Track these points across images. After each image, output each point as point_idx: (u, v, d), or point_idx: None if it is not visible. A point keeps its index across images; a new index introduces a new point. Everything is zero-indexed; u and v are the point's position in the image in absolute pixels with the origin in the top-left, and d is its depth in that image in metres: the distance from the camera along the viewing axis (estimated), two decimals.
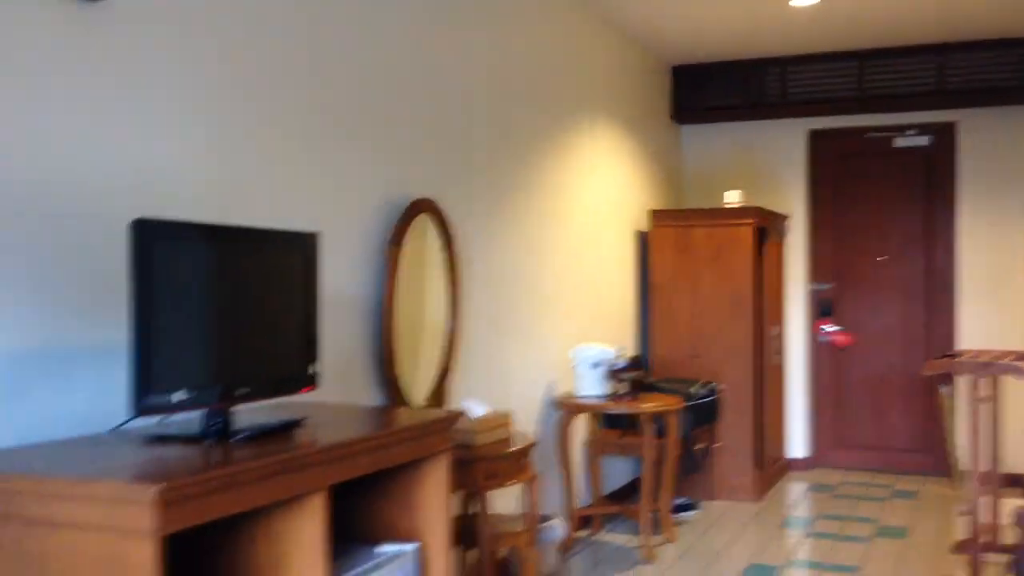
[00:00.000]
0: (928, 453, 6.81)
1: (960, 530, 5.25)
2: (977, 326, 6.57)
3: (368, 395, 3.50)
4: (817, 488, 6.44)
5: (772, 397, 6.49)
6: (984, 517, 4.18)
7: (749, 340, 6.05)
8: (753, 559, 4.84)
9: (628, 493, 6.03)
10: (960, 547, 4.88)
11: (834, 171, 7.09)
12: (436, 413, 2.70)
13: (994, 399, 4.61)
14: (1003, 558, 4.62)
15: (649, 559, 4.78)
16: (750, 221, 6.06)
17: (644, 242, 6.45)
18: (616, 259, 6.01)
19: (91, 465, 1.88)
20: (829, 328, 7.05)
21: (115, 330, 2.44)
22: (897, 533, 5.30)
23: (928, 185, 6.84)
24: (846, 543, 5.11)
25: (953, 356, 4.87)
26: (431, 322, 3.91)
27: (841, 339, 7.01)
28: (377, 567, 2.50)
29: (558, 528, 4.43)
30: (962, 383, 5.13)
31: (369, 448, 2.32)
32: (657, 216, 6.30)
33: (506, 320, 4.61)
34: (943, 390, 4.87)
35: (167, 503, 1.70)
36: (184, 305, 2.08)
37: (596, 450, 5.36)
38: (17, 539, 1.80)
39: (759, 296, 6.14)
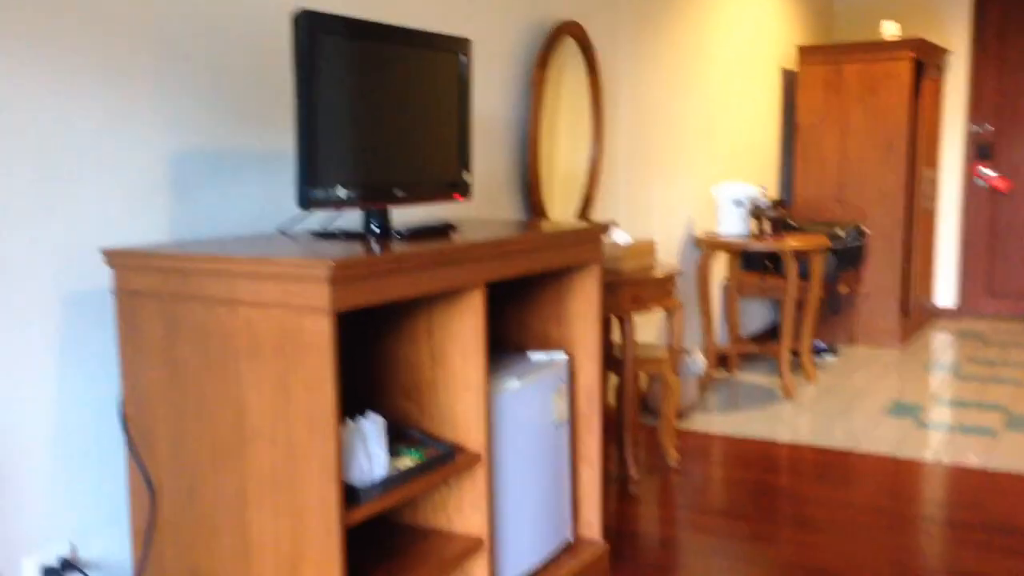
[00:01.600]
0: None
1: None
2: None
3: (515, 216, 3.53)
4: (964, 335, 6.24)
5: (922, 244, 6.24)
6: None
7: (900, 184, 5.79)
8: (896, 396, 4.76)
9: (766, 338, 5.98)
10: None
11: (1002, 1, 6.56)
12: (586, 223, 2.70)
13: None
14: None
15: (789, 396, 4.76)
16: (908, 55, 5.70)
17: (791, 80, 6.17)
18: (761, 98, 5.79)
19: (267, 249, 1.96)
20: (987, 172, 6.67)
21: (281, 138, 2.51)
22: None
23: None
24: (993, 384, 4.96)
25: None
26: (575, 150, 3.88)
27: (999, 184, 6.63)
28: (532, 371, 2.57)
29: (699, 362, 4.44)
30: None
31: (523, 249, 2.35)
32: (805, 53, 6.00)
33: (648, 153, 4.53)
34: None
35: (339, 280, 1.76)
36: (345, 103, 2.11)
37: (735, 291, 5.31)
38: (200, 318, 1.91)
39: (913, 137, 5.83)
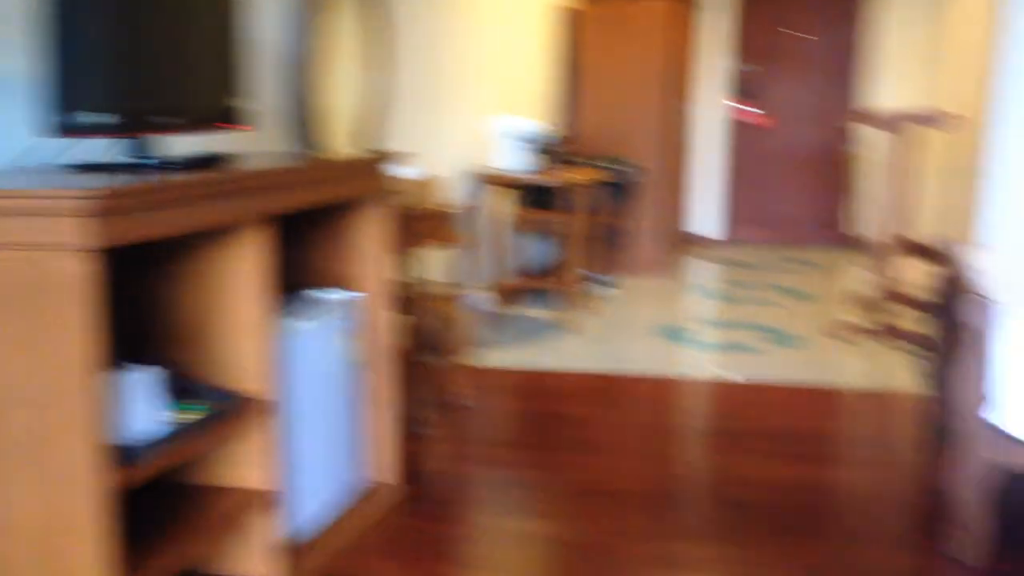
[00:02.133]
0: (828, 226, 7.01)
1: (867, 288, 5.48)
2: (889, 105, 6.63)
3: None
4: (728, 263, 6.60)
5: (687, 176, 6.51)
6: (889, 275, 4.33)
7: (671, 118, 5.98)
8: (669, 322, 4.96)
9: (548, 273, 6.07)
10: (866, 302, 5.10)
11: None
12: (366, 154, 2.56)
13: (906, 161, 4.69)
14: (906, 310, 4.85)
15: (573, 328, 4.84)
16: None
17: (571, 18, 6.21)
18: (541, 34, 5.78)
19: (4, 182, 1.69)
20: (747, 108, 7.03)
21: (12, 59, 2.18)
22: (802, 295, 5.49)
23: None
24: (756, 306, 5.27)
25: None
26: (356, 82, 3.69)
27: (758, 120, 7.01)
28: (320, 311, 2.42)
29: (485, 298, 4.42)
30: (876, 143, 5.24)
31: (304, 180, 2.18)
32: None
33: (433, 87, 4.40)
34: (851, 149, 4.91)
35: (96, 213, 1.54)
36: (99, 22, 1.85)
37: (518, 228, 5.31)
38: None
39: (683, 75, 6.03)
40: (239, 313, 2.08)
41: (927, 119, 4.24)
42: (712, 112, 7.01)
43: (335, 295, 2.54)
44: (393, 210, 3.26)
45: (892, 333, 4.40)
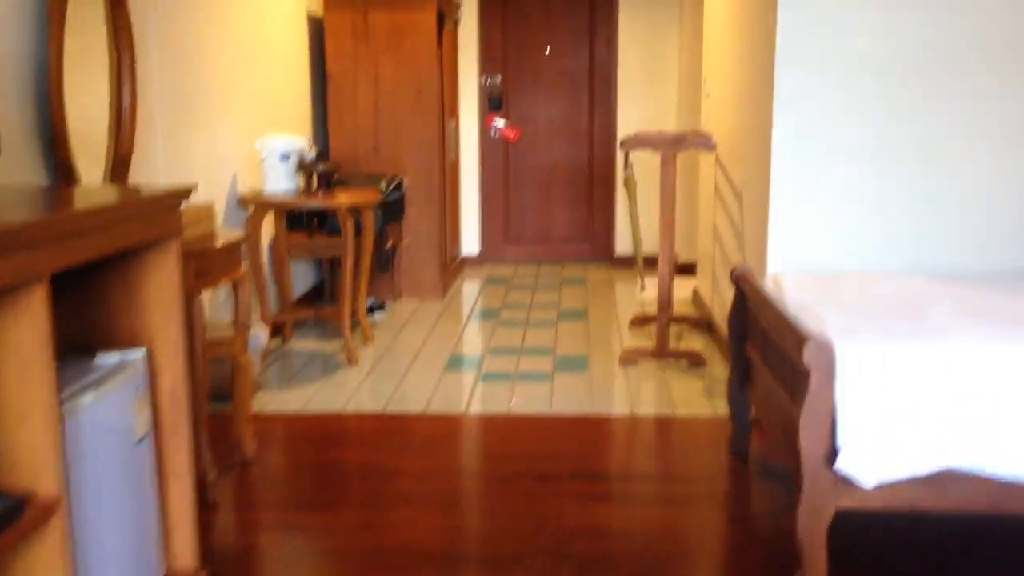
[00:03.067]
0: (587, 242, 7.15)
1: (638, 307, 5.58)
2: (633, 120, 6.85)
3: (34, 180, 2.80)
4: (494, 282, 6.54)
5: (451, 194, 6.38)
6: (662, 294, 4.40)
7: (432, 134, 5.82)
8: (453, 350, 4.79)
9: (312, 299, 5.71)
10: (639, 321, 5.18)
11: None
12: (165, 187, 2.17)
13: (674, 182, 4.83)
14: (682, 327, 4.97)
15: (352, 362, 4.54)
16: (432, 5, 5.70)
17: (320, 28, 5.87)
18: (292, 46, 5.41)
19: None
20: (499, 123, 7.02)
21: None
22: (578, 315, 5.52)
23: None
24: (534, 329, 5.22)
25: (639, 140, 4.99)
26: (104, 96, 3.20)
27: (510, 134, 7.01)
28: (104, 378, 2.01)
29: (260, 336, 4.03)
30: (645, 164, 5.34)
31: (98, 225, 1.78)
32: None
33: (188, 104, 3.95)
34: (627, 172, 4.99)
35: None
36: None
37: (283, 253, 4.93)
38: None
39: (440, 88, 5.88)
40: (16, 395, 1.66)
41: (696, 142, 4.35)
42: (474, 128, 6.93)
43: (119, 356, 2.13)
44: (182, 249, 2.84)
45: (675, 354, 4.48)
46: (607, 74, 6.93)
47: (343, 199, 4.45)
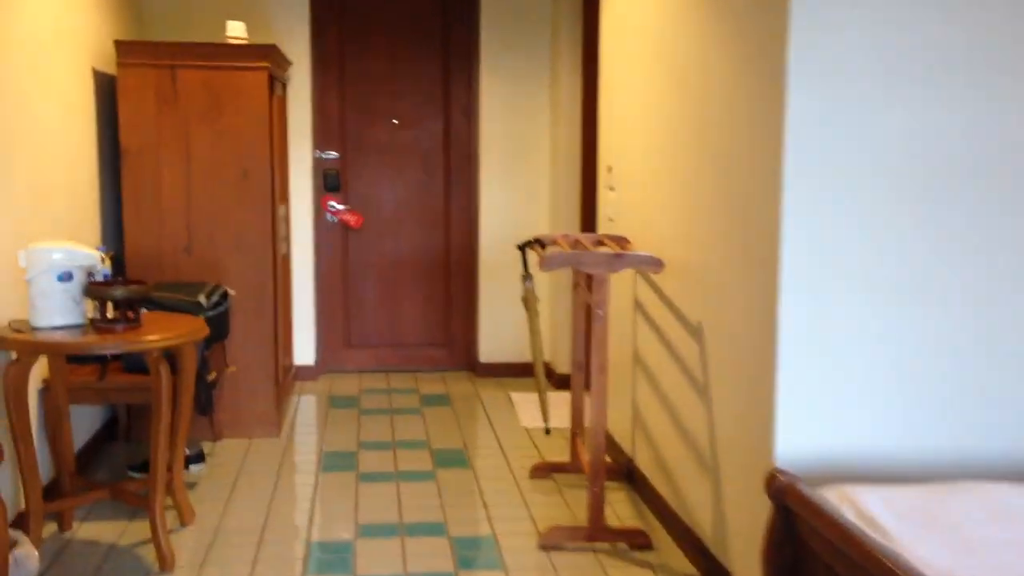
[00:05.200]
0: (445, 347, 6.03)
1: (531, 447, 4.49)
2: (498, 204, 5.83)
3: None
4: (340, 404, 5.27)
5: (283, 295, 5.09)
6: (596, 455, 3.35)
7: (262, 224, 4.55)
8: (312, 533, 3.53)
9: (97, 448, 4.27)
10: (542, 469, 4.10)
11: (341, 7, 5.73)
12: None
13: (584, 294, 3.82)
14: (613, 483, 3.90)
15: (168, 567, 3.18)
16: (263, 64, 4.47)
17: (110, 88, 4.50)
18: (71, 111, 4.03)
19: None
20: (337, 206, 5.81)
21: None
22: (456, 459, 4.37)
23: (446, 34, 5.83)
24: (409, 486, 4.03)
25: (542, 243, 3.97)
26: None
27: (351, 219, 5.82)
28: None
29: (29, 561, 2.64)
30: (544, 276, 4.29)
31: None
32: (127, 50, 4.39)
33: None
34: (528, 284, 3.95)
35: None
36: None
37: (60, 402, 3.51)
38: None
39: (272, 165, 4.63)
40: None
41: (637, 259, 3.36)
42: (308, 213, 5.67)
43: None
44: None
45: (611, 533, 3.41)
46: (466, 149, 5.88)
47: (154, 335, 3.12)
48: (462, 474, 4.16)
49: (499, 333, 5.85)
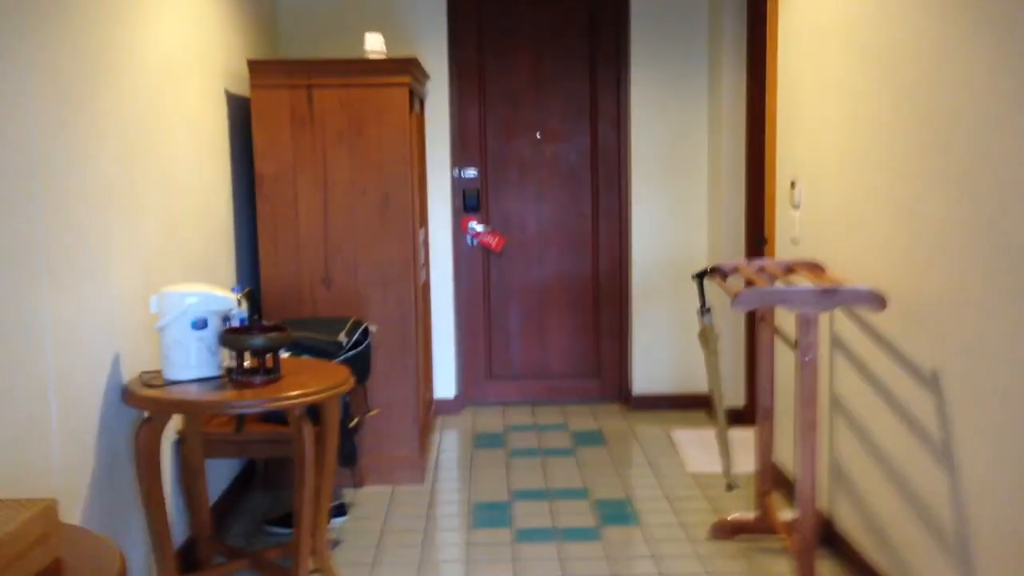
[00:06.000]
0: (594, 377, 5.56)
1: (700, 496, 3.98)
2: (651, 222, 5.33)
3: None
4: (485, 443, 4.87)
5: (423, 328, 4.73)
6: (806, 543, 2.82)
7: (408, 252, 4.19)
8: None
9: (234, 499, 3.98)
10: (725, 529, 3.59)
11: (480, 17, 5.35)
12: None
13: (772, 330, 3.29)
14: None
15: None
16: (404, 80, 4.12)
17: (243, 111, 4.23)
18: (202, 138, 3.75)
19: None
20: (478, 228, 5.44)
21: None
22: (621, 513, 3.89)
23: (593, 40, 5.38)
24: (575, 546, 3.57)
25: (722, 271, 3.47)
26: None
27: (492, 241, 5.43)
28: None
29: None
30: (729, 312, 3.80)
31: None
32: (261, 70, 4.10)
33: (12, 252, 2.26)
34: (706, 320, 3.45)
35: None
36: None
37: (196, 458, 3.20)
38: None
39: (414, 189, 4.27)
40: None
41: (851, 295, 2.82)
42: (447, 237, 5.31)
43: None
44: None
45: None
46: (615, 163, 5.42)
47: (296, 390, 2.77)
48: (630, 533, 3.68)
49: (653, 363, 5.36)
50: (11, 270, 2.20)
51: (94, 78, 2.67)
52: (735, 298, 2.83)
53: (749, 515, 3.64)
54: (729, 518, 3.62)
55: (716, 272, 3.45)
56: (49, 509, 1.71)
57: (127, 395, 2.74)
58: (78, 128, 2.57)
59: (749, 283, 3.16)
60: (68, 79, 2.51)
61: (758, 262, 3.44)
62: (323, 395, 2.82)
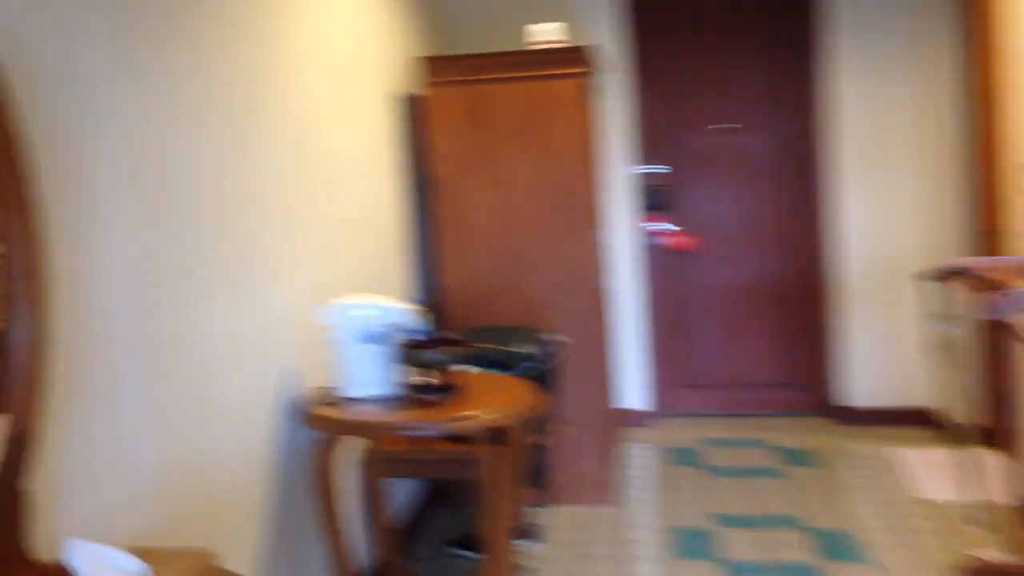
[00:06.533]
0: (795, 388, 5.05)
1: (936, 529, 3.45)
2: (859, 218, 4.78)
3: None
4: (677, 460, 4.48)
5: (614, 335, 4.38)
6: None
7: (592, 255, 3.87)
8: None
9: (421, 519, 3.76)
10: (983, 572, 3.06)
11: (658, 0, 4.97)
12: None
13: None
14: None
15: None
16: (579, 70, 3.80)
17: (413, 110, 4.02)
18: (373, 141, 3.55)
19: None
20: (666, 228, 5.05)
21: None
22: (845, 547, 3.42)
23: (786, 23, 4.89)
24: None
25: (961, 272, 2.95)
26: None
27: (681, 241, 5.03)
28: None
29: None
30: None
31: None
32: (433, 67, 3.87)
33: (184, 263, 2.07)
34: (951, 330, 2.95)
35: None
36: None
37: (375, 481, 2.99)
38: None
39: (595, 186, 3.94)
40: None
41: None
42: (625, 238, 4.96)
43: None
44: None
45: None
46: (815, 154, 4.90)
47: (483, 410, 2.49)
48: (861, 573, 3.21)
49: (864, 373, 4.80)
50: (185, 284, 2.02)
51: (266, 88, 2.49)
52: (993, 303, 2.34)
53: (1008, 556, 3.09)
54: (987, 560, 3.08)
55: (950, 272, 2.94)
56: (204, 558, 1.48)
57: (306, 416, 2.53)
58: (248, 140, 2.38)
59: (992, 285, 2.65)
60: (243, 92, 2.32)
61: (1010, 262, 2.91)
62: (515, 418, 2.52)
